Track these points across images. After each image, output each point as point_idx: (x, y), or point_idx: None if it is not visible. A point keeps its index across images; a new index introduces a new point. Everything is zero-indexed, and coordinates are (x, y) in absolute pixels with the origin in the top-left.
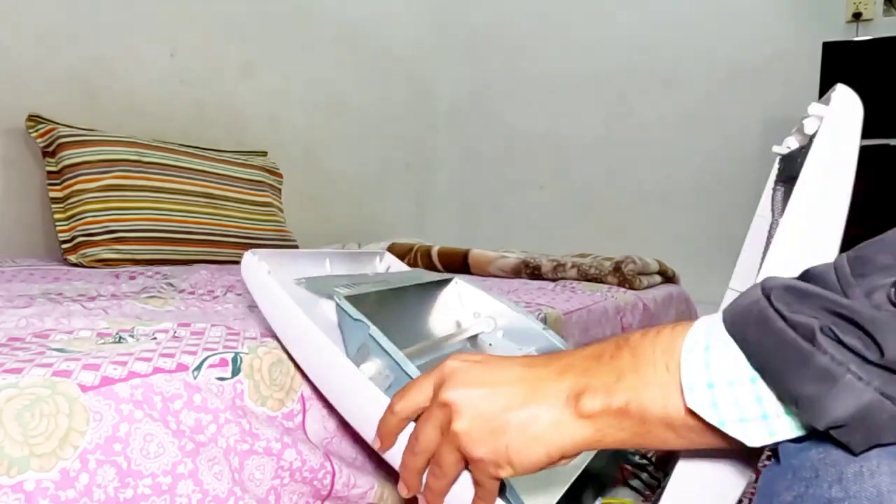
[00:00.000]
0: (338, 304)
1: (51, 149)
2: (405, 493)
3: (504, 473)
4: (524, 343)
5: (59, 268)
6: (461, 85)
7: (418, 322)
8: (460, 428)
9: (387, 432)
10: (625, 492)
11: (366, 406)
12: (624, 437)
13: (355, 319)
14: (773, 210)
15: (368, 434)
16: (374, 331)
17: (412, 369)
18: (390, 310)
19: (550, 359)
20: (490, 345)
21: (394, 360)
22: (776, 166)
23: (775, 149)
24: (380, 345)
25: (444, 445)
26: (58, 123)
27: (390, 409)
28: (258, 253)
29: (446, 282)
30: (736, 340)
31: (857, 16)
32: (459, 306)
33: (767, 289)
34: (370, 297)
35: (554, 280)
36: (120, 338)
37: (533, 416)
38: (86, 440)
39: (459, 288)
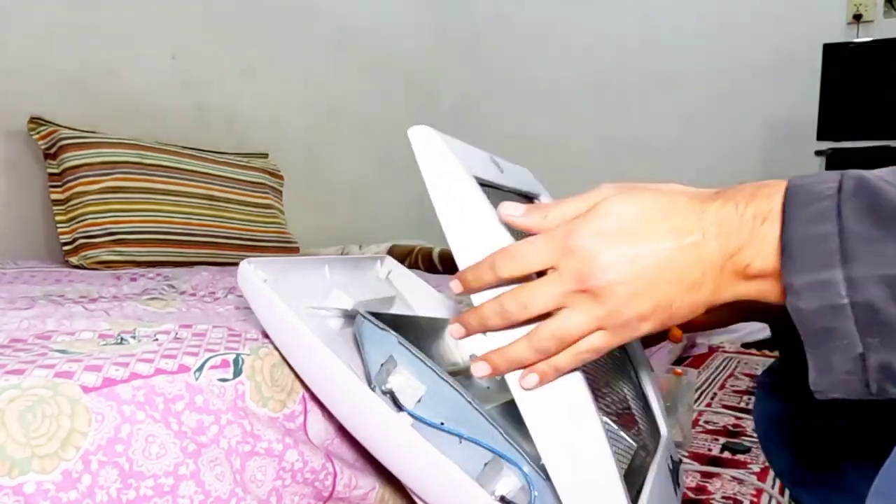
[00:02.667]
0: (361, 316)
1: (52, 151)
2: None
3: (645, 329)
4: None
5: (61, 270)
6: (461, 87)
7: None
8: (615, 280)
9: (475, 286)
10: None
11: (368, 416)
12: (749, 290)
13: (382, 330)
14: None
15: (373, 446)
16: (403, 340)
17: (447, 377)
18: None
19: (695, 210)
20: (488, 388)
21: (426, 365)
22: None
23: None
24: (410, 352)
25: (575, 308)
26: (59, 125)
27: (491, 265)
28: (254, 262)
29: (445, 321)
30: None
31: (857, 17)
32: (456, 347)
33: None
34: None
35: None
36: (122, 339)
37: (698, 289)
38: (88, 441)
39: None
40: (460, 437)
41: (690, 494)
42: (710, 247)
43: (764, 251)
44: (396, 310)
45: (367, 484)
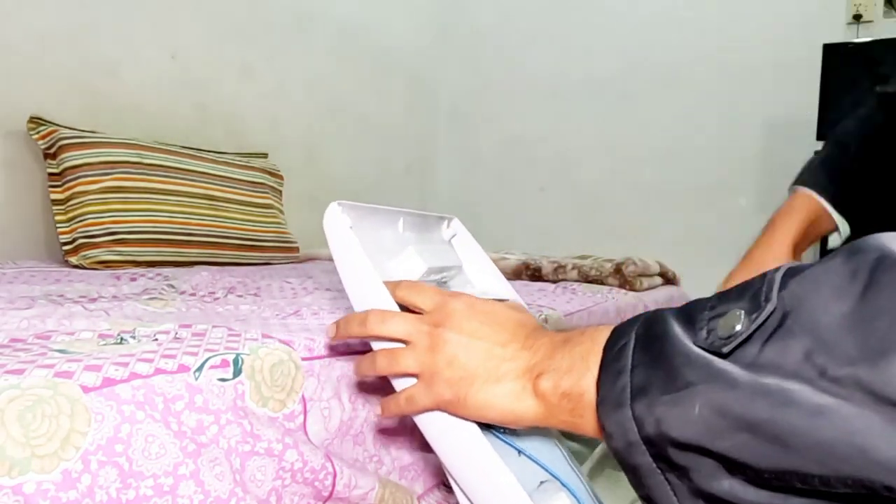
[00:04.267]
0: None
1: (52, 150)
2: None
3: (450, 410)
4: None
5: (60, 269)
6: (462, 86)
7: None
8: (437, 363)
9: (346, 335)
10: None
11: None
12: (566, 420)
13: (528, 457)
14: None
15: (428, 431)
16: (554, 470)
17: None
18: None
19: (531, 335)
20: None
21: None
22: None
23: None
24: (559, 479)
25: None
26: (59, 125)
27: (363, 322)
28: (343, 204)
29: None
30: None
31: (857, 17)
32: None
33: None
34: None
35: (555, 281)
36: (121, 339)
37: (498, 381)
38: (87, 441)
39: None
40: (520, 451)
41: None
42: (519, 358)
43: (575, 380)
44: (459, 282)
45: (367, 484)
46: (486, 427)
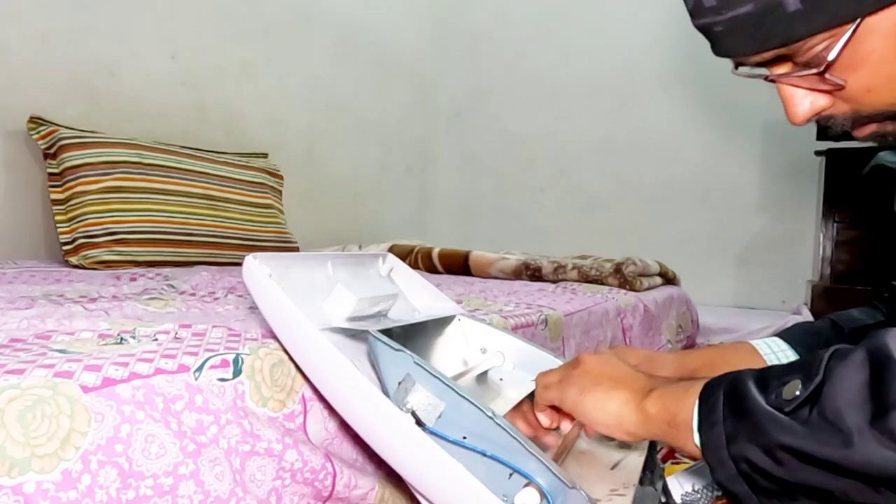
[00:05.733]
0: (372, 336)
1: (52, 150)
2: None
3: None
4: (536, 373)
5: (60, 269)
6: (462, 86)
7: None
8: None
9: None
10: None
11: (383, 427)
12: (661, 431)
13: (396, 350)
14: None
15: (372, 437)
16: (419, 359)
17: (466, 394)
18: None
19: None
20: (501, 379)
21: (444, 383)
22: None
23: None
24: (427, 371)
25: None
26: (59, 125)
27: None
28: (259, 256)
29: (449, 319)
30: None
31: None
32: (464, 343)
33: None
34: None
35: (555, 282)
36: (121, 339)
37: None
38: (87, 441)
39: (463, 325)
40: (483, 454)
41: None
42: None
43: (674, 401)
44: (399, 308)
45: (367, 484)
46: (447, 438)
